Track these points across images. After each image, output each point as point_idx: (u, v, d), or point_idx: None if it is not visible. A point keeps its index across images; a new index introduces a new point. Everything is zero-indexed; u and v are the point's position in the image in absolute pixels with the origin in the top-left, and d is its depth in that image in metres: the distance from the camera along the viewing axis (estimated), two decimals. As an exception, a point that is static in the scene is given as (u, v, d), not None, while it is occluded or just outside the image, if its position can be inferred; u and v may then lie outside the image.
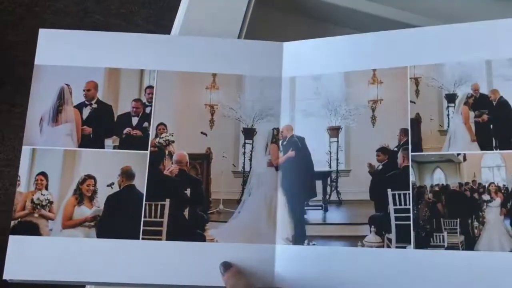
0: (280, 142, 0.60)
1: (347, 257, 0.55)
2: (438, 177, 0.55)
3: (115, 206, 0.58)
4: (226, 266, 0.55)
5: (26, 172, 0.58)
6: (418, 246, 0.53)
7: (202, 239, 0.57)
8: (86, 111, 0.61)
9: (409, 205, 0.54)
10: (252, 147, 0.61)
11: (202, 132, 0.60)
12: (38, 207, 0.57)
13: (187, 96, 0.61)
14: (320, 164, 0.59)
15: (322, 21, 0.73)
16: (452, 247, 0.52)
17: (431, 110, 0.57)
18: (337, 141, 0.60)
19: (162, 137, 0.60)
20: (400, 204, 0.55)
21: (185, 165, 0.60)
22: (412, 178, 0.55)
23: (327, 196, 0.58)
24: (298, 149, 0.60)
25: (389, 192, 0.56)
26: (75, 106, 0.61)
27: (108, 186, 0.58)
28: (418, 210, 0.54)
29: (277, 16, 0.74)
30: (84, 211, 0.58)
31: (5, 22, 1.48)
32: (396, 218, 0.55)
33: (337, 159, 0.59)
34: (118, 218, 0.58)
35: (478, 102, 0.56)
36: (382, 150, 0.57)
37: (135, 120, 0.61)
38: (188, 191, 0.59)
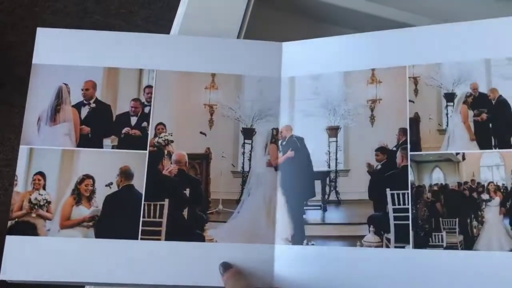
0: (280, 142, 0.60)
1: (346, 257, 0.55)
2: (437, 176, 0.55)
3: (114, 206, 0.57)
4: (226, 267, 0.55)
5: (24, 172, 0.58)
6: (417, 246, 0.53)
7: (201, 239, 0.57)
8: (85, 111, 0.61)
9: (408, 204, 0.54)
10: (252, 147, 0.60)
11: (201, 132, 0.60)
12: (36, 207, 0.57)
13: (186, 96, 0.61)
14: (319, 164, 0.59)
15: (322, 21, 0.73)
16: (451, 246, 0.52)
17: (430, 109, 0.57)
18: (336, 141, 0.59)
19: (161, 137, 0.60)
20: (399, 204, 0.55)
21: (184, 165, 0.59)
22: (411, 177, 0.55)
23: (326, 196, 0.58)
24: (297, 149, 0.60)
25: (388, 192, 0.55)
26: (73, 106, 0.61)
27: (106, 186, 0.58)
28: (417, 209, 0.54)
29: (276, 16, 0.74)
30: (82, 211, 0.57)
31: (4, 22, 1.48)
32: (395, 218, 0.55)
33: (336, 159, 0.59)
34: (117, 218, 0.57)
35: (477, 101, 0.56)
36: (381, 150, 0.57)
37: (134, 120, 0.60)
38: (187, 191, 0.59)
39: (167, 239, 0.57)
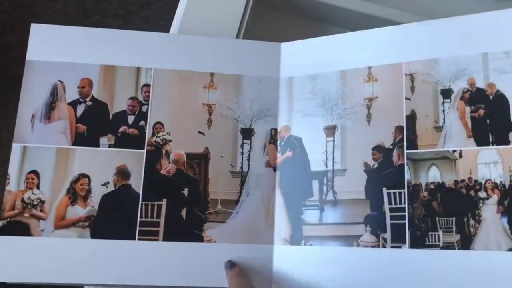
0: (278, 142, 0.61)
1: (343, 257, 0.55)
2: (434, 174, 0.54)
3: (110, 206, 0.56)
4: (231, 265, 0.54)
5: (16, 170, 0.56)
6: (413, 245, 0.53)
7: (200, 239, 0.56)
8: (80, 109, 0.59)
9: (404, 204, 0.54)
10: (250, 148, 0.60)
11: (199, 132, 0.60)
12: (29, 206, 0.55)
13: (184, 95, 0.61)
14: (316, 164, 0.59)
15: (320, 22, 0.74)
16: (447, 246, 0.52)
17: (426, 106, 0.56)
18: (333, 141, 0.60)
19: (159, 136, 0.59)
20: (396, 203, 0.55)
21: (183, 164, 0.59)
22: (407, 176, 0.55)
23: (324, 196, 0.59)
24: (295, 150, 0.60)
25: (384, 191, 0.55)
26: (68, 103, 0.59)
27: (103, 185, 0.57)
28: (414, 209, 0.54)
29: (275, 16, 0.74)
30: (77, 211, 0.56)
31: (4, 23, 1.48)
32: (391, 218, 0.54)
33: (333, 159, 0.59)
34: (114, 218, 0.56)
35: (474, 96, 0.55)
36: (378, 149, 0.57)
37: (131, 119, 0.59)
38: (185, 191, 0.58)
39: (165, 239, 0.56)
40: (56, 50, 0.60)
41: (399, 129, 0.57)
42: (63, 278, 0.54)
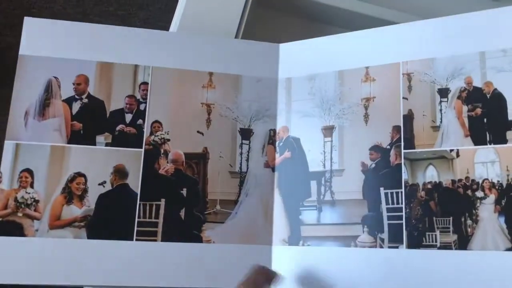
0: (277, 143, 0.61)
1: (340, 257, 0.55)
2: (431, 174, 0.54)
3: (107, 206, 0.55)
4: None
5: (9, 169, 0.54)
6: (411, 246, 0.53)
7: (199, 240, 0.56)
8: (76, 106, 0.58)
9: (402, 204, 0.54)
10: (249, 148, 0.60)
11: (198, 131, 0.59)
12: (23, 205, 0.53)
13: (183, 94, 0.60)
14: (314, 164, 0.59)
15: (318, 22, 0.74)
16: (444, 246, 0.52)
17: (423, 105, 0.56)
18: (331, 141, 0.60)
19: (157, 135, 0.58)
20: (393, 203, 0.55)
21: (181, 164, 0.58)
22: (404, 176, 0.55)
23: (321, 197, 0.59)
24: (294, 150, 0.60)
25: (382, 190, 0.55)
26: (64, 100, 0.58)
27: (99, 184, 0.55)
28: (411, 209, 0.54)
29: (274, 17, 0.74)
30: (73, 211, 0.54)
31: (3, 23, 1.47)
32: (389, 218, 0.55)
33: (331, 159, 0.59)
34: (111, 218, 0.55)
35: (471, 95, 0.55)
36: (375, 149, 0.57)
37: (128, 117, 0.58)
38: (184, 191, 0.57)
39: (163, 240, 0.55)
40: (51, 45, 0.58)
41: (396, 128, 0.57)
42: (58, 279, 0.52)
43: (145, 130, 0.58)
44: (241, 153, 0.60)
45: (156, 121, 0.59)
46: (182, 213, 0.57)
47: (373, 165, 0.57)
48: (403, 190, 0.55)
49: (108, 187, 0.56)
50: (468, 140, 0.54)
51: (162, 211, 0.56)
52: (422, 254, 0.52)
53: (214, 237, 0.56)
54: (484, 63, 0.55)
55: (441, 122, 0.56)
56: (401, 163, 0.55)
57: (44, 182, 0.55)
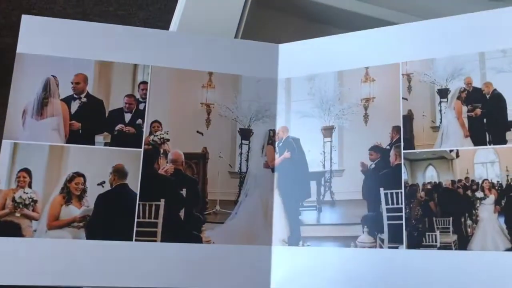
0: (276, 143, 0.60)
1: (340, 258, 0.55)
2: (431, 174, 0.54)
3: (107, 206, 0.55)
4: None
5: (7, 168, 0.54)
6: (410, 246, 0.53)
7: (199, 240, 0.56)
8: (75, 105, 0.57)
9: (401, 204, 0.54)
10: (249, 148, 0.60)
11: (198, 131, 0.59)
12: (21, 206, 0.53)
13: (182, 94, 0.60)
14: (314, 164, 0.59)
15: (318, 22, 0.74)
16: (444, 246, 0.52)
17: (423, 106, 0.56)
18: (331, 141, 0.60)
19: (157, 135, 0.58)
20: (393, 203, 0.55)
21: (181, 164, 0.58)
22: (404, 176, 0.55)
23: (321, 197, 0.59)
24: (293, 150, 0.60)
25: (382, 191, 0.55)
26: (62, 99, 0.57)
27: (98, 184, 0.55)
28: (411, 209, 0.54)
29: (273, 17, 0.74)
30: (72, 211, 0.54)
31: (2, 24, 1.47)
32: (389, 218, 0.55)
33: (331, 159, 0.59)
34: (110, 219, 0.54)
35: (471, 96, 0.55)
36: (375, 149, 0.57)
37: (128, 117, 0.58)
38: (183, 191, 0.57)
39: (163, 240, 0.55)
40: (49, 44, 0.58)
41: (396, 129, 0.57)
42: (57, 280, 0.52)
43: (144, 130, 0.58)
44: (240, 153, 0.60)
45: (156, 121, 0.58)
46: (182, 213, 0.56)
47: (373, 166, 0.57)
48: (403, 190, 0.55)
49: (107, 187, 0.55)
50: (468, 141, 0.54)
51: (161, 212, 0.55)
52: (422, 254, 0.52)
53: (213, 237, 0.56)
54: (484, 63, 0.55)
55: (440, 122, 0.56)
56: (400, 164, 0.55)
57: (42, 182, 0.54)
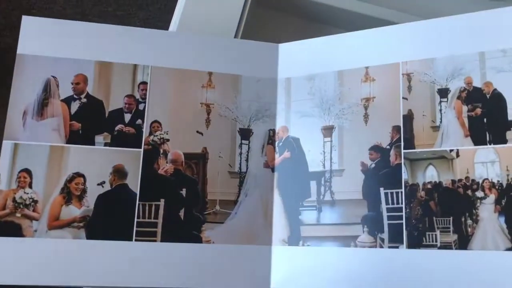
0: (276, 143, 0.60)
1: (340, 257, 0.55)
2: (431, 174, 0.54)
3: (107, 206, 0.55)
4: None
5: (7, 169, 0.54)
6: (411, 246, 0.53)
7: (199, 240, 0.56)
8: (75, 106, 0.58)
9: (402, 203, 0.54)
10: (249, 148, 0.60)
11: (198, 131, 0.59)
12: (21, 206, 0.53)
13: (182, 94, 0.60)
14: (314, 164, 0.59)
15: (318, 22, 0.74)
16: (445, 246, 0.52)
17: (423, 106, 0.56)
18: (331, 141, 0.60)
19: (157, 135, 0.58)
20: (393, 203, 0.55)
21: (181, 164, 0.58)
22: (404, 176, 0.55)
23: (321, 197, 0.59)
24: (293, 150, 0.60)
25: (382, 190, 0.55)
26: (62, 100, 0.57)
27: (98, 185, 0.55)
28: (411, 208, 0.54)
29: (273, 17, 0.74)
30: (72, 211, 0.54)
31: (3, 24, 1.47)
32: (389, 218, 0.55)
33: (331, 159, 0.59)
34: (110, 219, 0.55)
35: (471, 95, 0.55)
36: (375, 149, 0.57)
37: (127, 117, 0.58)
38: (183, 191, 0.57)
39: (163, 240, 0.55)
40: (49, 45, 0.58)
41: (396, 129, 0.57)
42: (57, 280, 0.52)
43: (144, 130, 0.58)
44: (240, 153, 0.60)
45: (155, 121, 0.58)
46: (182, 213, 0.57)
47: (373, 165, 0.57)
48: (403, 190, 0.55)
49: (107, 187, 0.55)
50: (468, 140, 0.54)
51: (161, 211, 0.55)
52: (422, 254, 0.52)
53: (213, 237, 0.56)
54: (484, 63, 0.55)
55: (441, 122, 0.56)
56: (401, 163, 0.55)
57: (42, 182, 0.54)
